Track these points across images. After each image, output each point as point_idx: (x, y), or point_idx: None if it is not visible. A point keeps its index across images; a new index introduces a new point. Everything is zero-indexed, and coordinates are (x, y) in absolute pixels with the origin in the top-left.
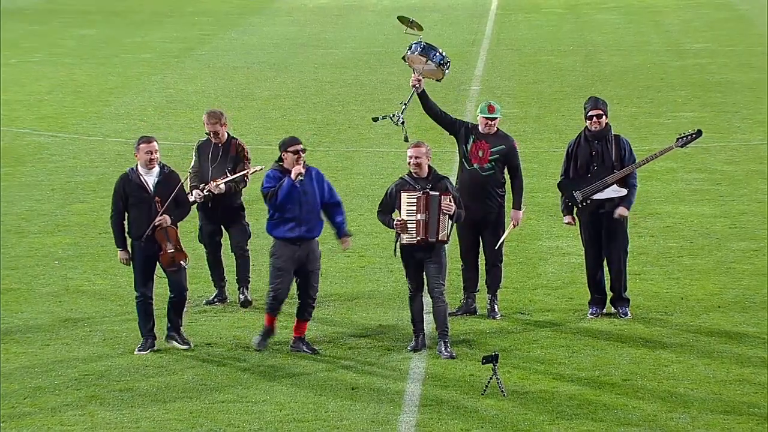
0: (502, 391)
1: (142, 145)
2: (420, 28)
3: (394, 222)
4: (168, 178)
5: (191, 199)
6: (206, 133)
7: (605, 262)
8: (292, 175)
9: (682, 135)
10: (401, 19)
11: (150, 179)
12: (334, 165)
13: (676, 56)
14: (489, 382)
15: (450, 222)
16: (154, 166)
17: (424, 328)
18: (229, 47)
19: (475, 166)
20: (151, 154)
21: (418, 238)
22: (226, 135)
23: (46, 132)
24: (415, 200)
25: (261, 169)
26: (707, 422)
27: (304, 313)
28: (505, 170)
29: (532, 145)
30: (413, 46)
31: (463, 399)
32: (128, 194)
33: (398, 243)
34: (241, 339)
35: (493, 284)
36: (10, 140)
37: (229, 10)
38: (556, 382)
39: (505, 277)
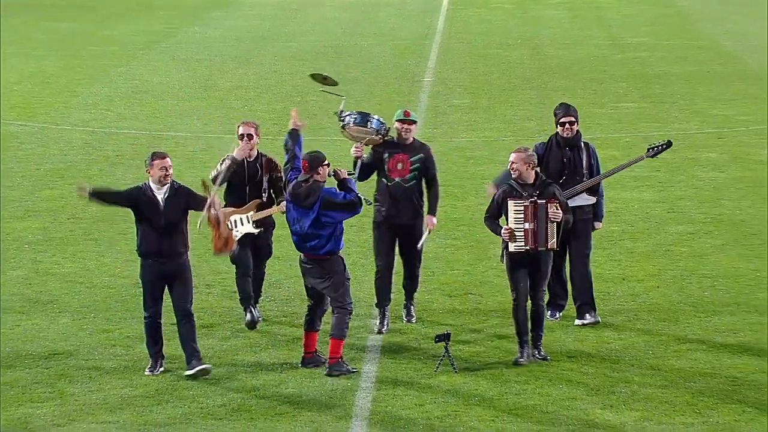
0: (453, 367)
1: (156, 161)
2: (335, 83)
3: (502, 231)
4: (177, 192)
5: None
6: (241, 136)
7: (568, 267)
8: (343, 175)
9: (653, 146)
10: (314, 76)
11: (160, 195)
12: None
13: (617, 50)
14: (441, 359)
15: (559, 229)
16: (168, 182)
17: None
18: (192, 40)
19: (397, 179)
20: (166, 170)
21: (528, 247)
22: (257, 151)
23: (15, 121)
24: (522, 208)
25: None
26: (646, 395)
27: (315, 325)
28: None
29: (482, 135)
30: (347, 118)
31: (417, 375)
32: (139, 203)
33: (505, 251)
34: (205, 320)
35: (411, 289)
36: None
37: (193, 4)
38: (505, 358)
39: (456, 260)
